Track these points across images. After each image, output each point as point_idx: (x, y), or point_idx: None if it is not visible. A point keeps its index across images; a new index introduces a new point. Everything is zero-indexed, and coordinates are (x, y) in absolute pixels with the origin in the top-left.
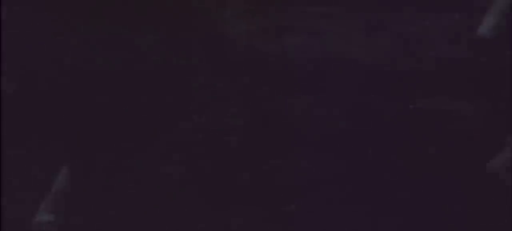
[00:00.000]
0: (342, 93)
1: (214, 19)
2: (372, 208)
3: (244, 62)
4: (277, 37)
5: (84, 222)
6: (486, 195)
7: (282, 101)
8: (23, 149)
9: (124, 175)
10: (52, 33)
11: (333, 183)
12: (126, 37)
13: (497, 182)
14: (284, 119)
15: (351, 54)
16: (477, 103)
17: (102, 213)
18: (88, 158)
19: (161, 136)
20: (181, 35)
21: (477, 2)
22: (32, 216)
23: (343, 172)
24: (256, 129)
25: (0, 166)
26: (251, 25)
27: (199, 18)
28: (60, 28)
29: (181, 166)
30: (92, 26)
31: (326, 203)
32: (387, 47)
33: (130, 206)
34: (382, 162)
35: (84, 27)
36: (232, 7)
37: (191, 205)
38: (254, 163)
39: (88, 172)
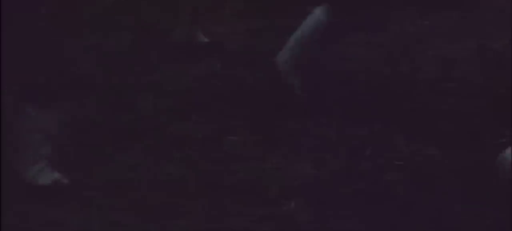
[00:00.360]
0: (341, 92)
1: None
2: (371, 208)
3: (244, 62)
4: (276, 37)
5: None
6: (486, 195)
7: (281, 101)
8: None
9: (125, 175)
10: (52, 34)
11: (333, 183)
12: (126, 37)
13: (497, 181)
14: (283, 118)
15: (350, 54)
16: (477, 103)
17: (102, 212)
18: (88, 157)
19: (161, 135)
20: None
21: (477, 1)
22: (32, 216)
23: (343, 172)
24: (255, 129)
25: (0, 166)
26: (250, 25)
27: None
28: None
29: (181, 166)
30: (90, 27)
31: (326, 203)
32: (387, 47)
33: (130, 205)
34: (381, 161)
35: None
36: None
37: (191, 204)
38: (254, 163)
39: (89, 171)
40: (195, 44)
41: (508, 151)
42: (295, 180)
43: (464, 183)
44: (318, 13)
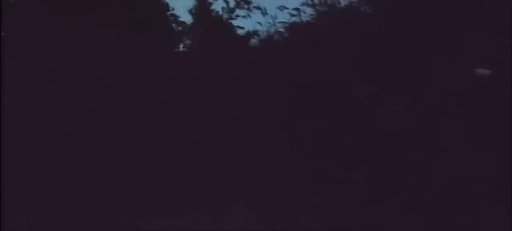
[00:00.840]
0: (342, 93)
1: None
2: (373, 208)
3: (244, 65)
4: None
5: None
6: (486, 195)
7: (283, 104)
8: (23, 151)
9: (126, 174)
10: (53, 41)
11: (335, 182)
12: (125, 41)
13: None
14: (284, 120)
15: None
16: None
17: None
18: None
19: (162, 135)
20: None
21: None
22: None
23: (346, 171)
24: (259, 129)
25: (0, 167)
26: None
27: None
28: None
29: (183, 165)
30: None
31: (327, 202)
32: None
33: (132, 205)
34: (382, 161)
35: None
36: None
37: (193, 203)
38: (256, 163)
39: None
40: None
41: None
42: (296, 180)
43: (465, 182)
44: None
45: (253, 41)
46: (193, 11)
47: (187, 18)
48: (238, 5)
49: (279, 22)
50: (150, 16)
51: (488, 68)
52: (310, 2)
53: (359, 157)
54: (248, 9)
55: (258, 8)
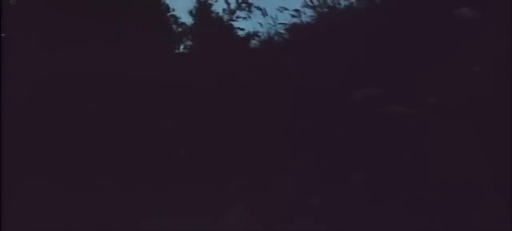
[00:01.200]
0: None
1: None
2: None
3: (245, 65)
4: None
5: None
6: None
7: (283, 104)
8: (23, 151)
9: (126, 174)
10: (53, 41)
11: (335, 182)
12: (125, 42)
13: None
14: (285, 121)
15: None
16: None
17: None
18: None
19: (162, 135)
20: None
21: None
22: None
23: (346, 171)
24: (259, 130)
25: (0, 167)
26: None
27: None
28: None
29: (183, 165)
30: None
31: (327, 202)
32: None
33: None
34: (383, 161)
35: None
36: None
37: (193, 203)
38: (256, 163)
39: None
40: None
41: None
42: (295, 180)
43: (464, 182)
44: None
45: (254, 42)
46: (194, 12)
47: (187, 19)
48: (239, 7)
49: (279, 23)
50: (150, 17)
51: (489, 69)
52: (311, 3)
53: (359, 157)
54: (249, 10)
55: (258, 8)
